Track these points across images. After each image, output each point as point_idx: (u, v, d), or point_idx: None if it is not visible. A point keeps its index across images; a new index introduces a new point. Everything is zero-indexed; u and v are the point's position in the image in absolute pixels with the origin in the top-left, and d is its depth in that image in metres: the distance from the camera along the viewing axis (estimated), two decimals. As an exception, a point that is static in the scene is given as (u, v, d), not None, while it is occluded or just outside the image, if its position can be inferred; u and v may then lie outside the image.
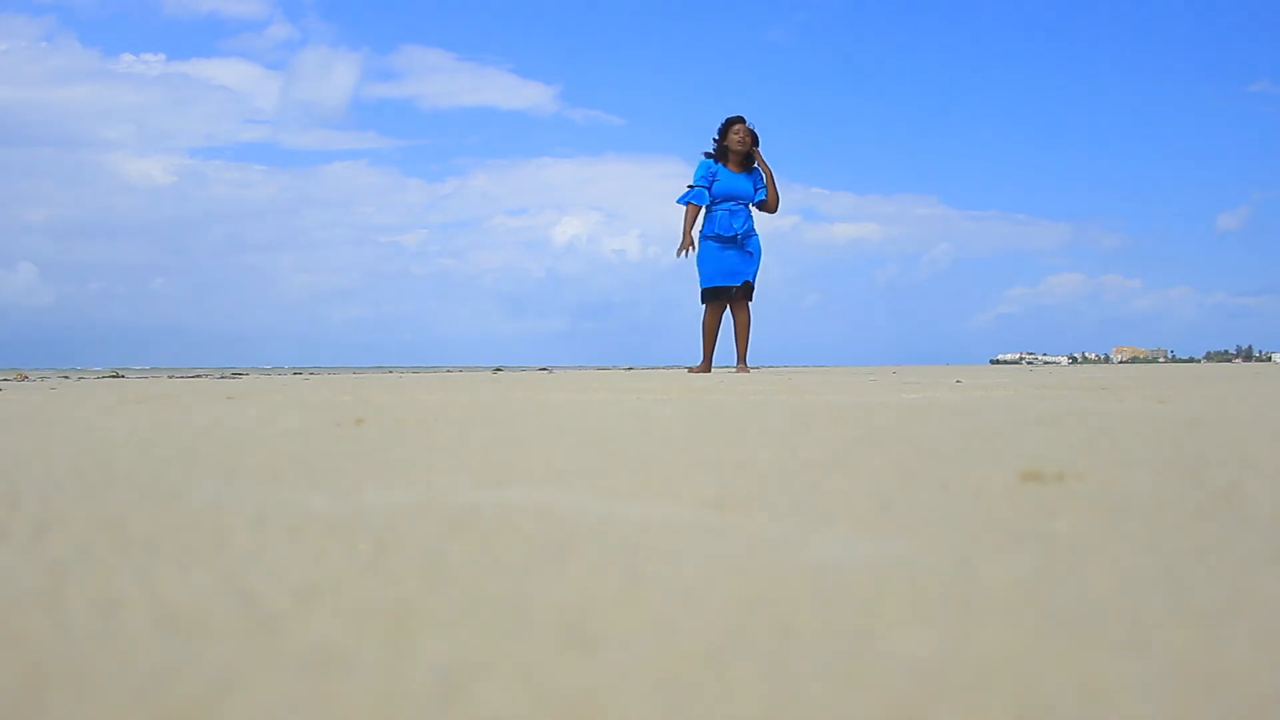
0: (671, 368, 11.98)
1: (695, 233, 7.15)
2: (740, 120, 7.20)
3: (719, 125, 7.22)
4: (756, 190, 7.18)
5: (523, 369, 15.57)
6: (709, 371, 7.23)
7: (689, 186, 7.18)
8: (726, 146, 7.17)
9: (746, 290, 7.19)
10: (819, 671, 0.40)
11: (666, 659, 0.42)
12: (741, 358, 7.24)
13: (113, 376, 8.66)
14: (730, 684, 0.39)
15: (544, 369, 14.52)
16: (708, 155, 7.22)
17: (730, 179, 7.15)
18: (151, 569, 0.59)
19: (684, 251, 7.14)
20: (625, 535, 0.69)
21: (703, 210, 7.15)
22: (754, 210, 7.25)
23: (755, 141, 7.21)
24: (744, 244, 7.13)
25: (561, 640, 0.45)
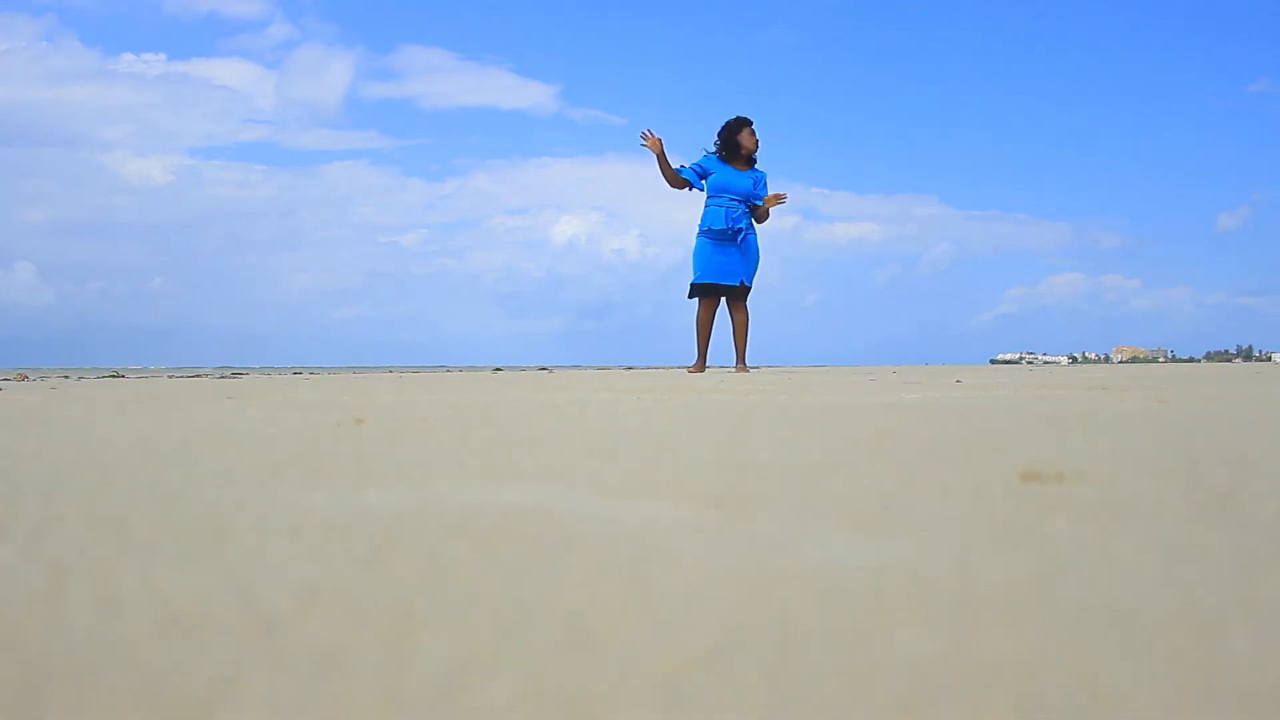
0: (672, 368, 11.99)
1: (663, 151, 7.23)
2: (751, 121, 7.25)
3: (723, 126, 7.25)
4: (756, 187, 7.21)
5: (523, 369, 15.57)
6: (703, 370, 7.23)
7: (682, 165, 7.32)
8: (738, 143, 7.21)
9: (743, 290, 7.20)
10: (820, 672, 0.40)
11: (666, 659, 0.42)
12: (741, 358, 7.24)
13: (113, 376, 8.66)
14: (730, 684, 0.39)
15: (544, 369, 14.53)
16: (713, 153, 7.29)
17: (730, 174, 7.18)
18: (151, 569, 0.59)
19: (646, 139, 7.22)
20: (625, 535, 0.69)
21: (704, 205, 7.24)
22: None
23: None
24: (740, 241, 7.14)
25: (562, 640, 0.45)
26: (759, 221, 7.26)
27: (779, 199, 7.19)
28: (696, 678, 0.40)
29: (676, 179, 7.30)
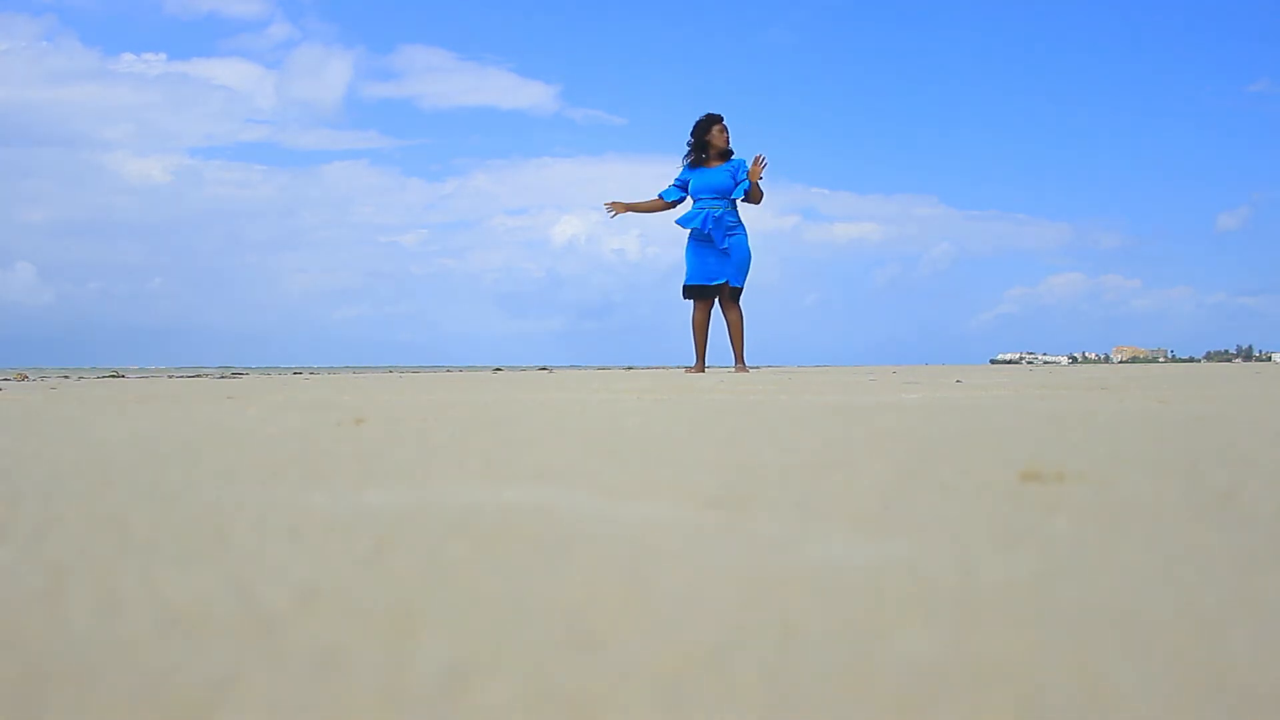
0: (671, 368, 12.00)
1: (628, 204, 7.49)
2: (721, 118, 7.26)
3: (694, 126, 7.27)
4: (737, 183, 7.17)
5: (523, 369, 15.57)
6: (702, 371, 7.24)
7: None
8: (708, 143, 7.22)
9: (732, 291, 7.21)
10: (819, 672, 0.40)
11: (666, 659, 0.42)
12: (739, 357, 7.24)
13: (113, 376, 8.66)
14: (730, 684, 0.39)
15: (544, 369, 14.53)
16: (687, 160, 7.31)
17: (705, 175, 7.20)
18: (151, 569, 0.59)
19: (611, 210, 7.50)
20: (625, 535, 0.69)
21: (688, 205, 7.32)
22: (740, 205, 7.27)
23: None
24: (720, 241, 7.14)
25: (562, 640, 0.45)
26: (754, 201, 7.22)
27: (758, 165, 7.15)
28: (696, 678, 0.40)
29: (664, 205, 7.39)
